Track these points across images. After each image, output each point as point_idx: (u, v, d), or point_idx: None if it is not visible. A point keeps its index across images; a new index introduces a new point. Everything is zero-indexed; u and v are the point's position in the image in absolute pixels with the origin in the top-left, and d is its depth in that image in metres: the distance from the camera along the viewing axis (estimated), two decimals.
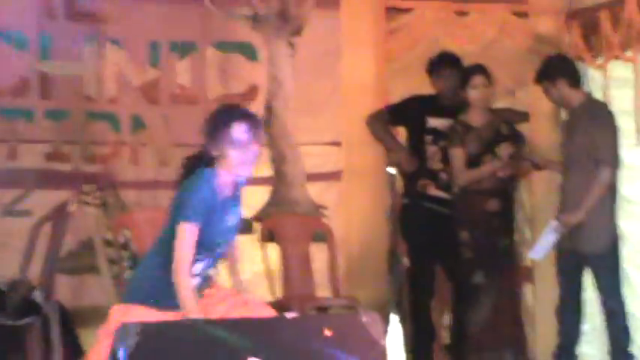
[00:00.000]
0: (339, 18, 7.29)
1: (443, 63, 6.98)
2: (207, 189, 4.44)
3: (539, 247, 6.49)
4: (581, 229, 6.23)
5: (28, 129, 7.00)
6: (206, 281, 4.63)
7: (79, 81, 7.16)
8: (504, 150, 6.70)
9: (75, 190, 6.79)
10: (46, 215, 6.15)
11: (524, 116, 7.28)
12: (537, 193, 7.24)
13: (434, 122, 7.04)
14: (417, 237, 7.09)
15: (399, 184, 7.31)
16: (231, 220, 4.59)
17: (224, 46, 7.42)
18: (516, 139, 6.87)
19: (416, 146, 7.10)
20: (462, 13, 7.50)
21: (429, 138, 7.06)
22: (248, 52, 7.39)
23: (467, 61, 6.97)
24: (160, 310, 4.39)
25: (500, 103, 7.27)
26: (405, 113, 7.11)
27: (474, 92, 6.69)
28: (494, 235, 6.68)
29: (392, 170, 7.30)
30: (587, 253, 6.29)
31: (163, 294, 4.38)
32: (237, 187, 4.61)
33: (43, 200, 6.61)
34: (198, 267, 4.51)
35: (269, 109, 6.95)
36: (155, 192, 7.12)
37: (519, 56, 7.44)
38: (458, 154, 6.69)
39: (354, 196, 7.29)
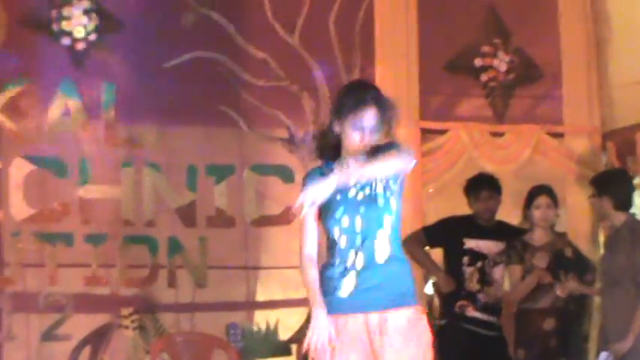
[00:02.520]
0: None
1: (481, 185, 7.00)
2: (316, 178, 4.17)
3: None
4: (631, 353, 6.13)
5: (67, 253, 7.06)
6: (369, 277, 4.22)
7: (117, 205, 7.24)
8: (563, 289, 6.62)
9: (113, 314, 6.79)
10: (85, 339, 6.15)
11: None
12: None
13: (471, 243, 7.01)
14: (455, 358, 7.00)
15: (437, 304, 7.26)
16: (360, 196, 4.22)
17: (261, 169, 7.49)
18: (581, 263, 6.80)
19: (453, 267, 7.06)
20: (496, 134, 7.56)
21: (466, 259, 7.02)
22: (284, 174, 7.45)
23: (503, 182, 6.98)
24: None
25: None
26: (442, 234, 7.10)
27: (537, 212, 6.66)
28: (551, 356, 6.58)
29: (429, 291, 7.26)
30: None
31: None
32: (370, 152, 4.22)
33: (82, 324, 6.63)
34: (345, 259, 4.22)
35: None
36: (193, 315, 7.13)
37: (556, 176, 7.45)
38: (514, 272, 6.64)
39: None
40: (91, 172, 7.19)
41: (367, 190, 4.22)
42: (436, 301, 7.27)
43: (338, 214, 4.21)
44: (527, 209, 6.69)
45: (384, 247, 4.22)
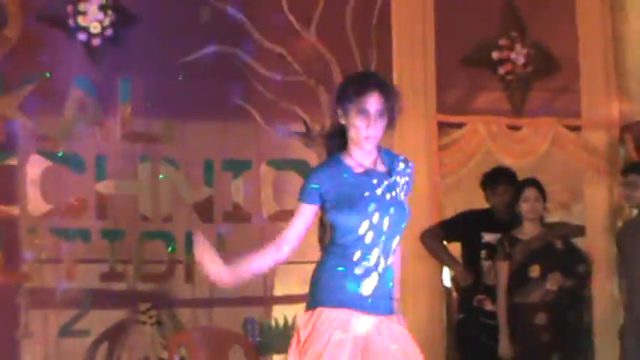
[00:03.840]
0: (391, 133, 7.31)
1: (497, 179, 6.98)
2: (327, 169, 4.21)
3: None
4: None
5: (84, 249, 7.07)
6: (385, 281, 4.20)
7: (134, 200, 7.24)
8: (553, 283, 6.60)
9: (131, 310, 6.80)
10: (103, 335, 6.16)
11: (579, 230, 7.21)
12: (597, 312, 7.12)
13: (489, 237, 6.99)
14: (473, 352, 6.99)
15: (455, 298, 7.25)
16: (388, 197, 4.18)
17: (277, 164, 7.49)
18: (572, 254, 6.77)
19: (471, 261, 7.05)
20: (514, 127, 7.53)
21: (483, 253, 7.01)
22: (302, 168, 7.44)
23: (521, 175, 6.96)
24: None
25: (554, 217, 7.22)
26: (460, 228, 7.08)
27: (525, 205, 6.66)
28: (544, 350, 6.55)
29: (448, 284, 7.24)
30: None
31: None
32: (386, 160, 4.24)
33: (100, 320, 6.63)
34: (367, 256, 4.18)
35: (322, 224, 6.93)
36: (210, 310, 7.14)
37: (573, 170, 7.42)
38: (501, 268, 6.63)
39: (408, 311, 7.21)
40: (107, 167, 7.20)
41: (393, 193, 4.20)
42: (454, 295, 7.26)
43: (370, 208, 4.15)
44: (516, 203, 6.68)
45: (394, 251, 4.23)
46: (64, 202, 7.10)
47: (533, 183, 6.72)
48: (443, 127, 7.43)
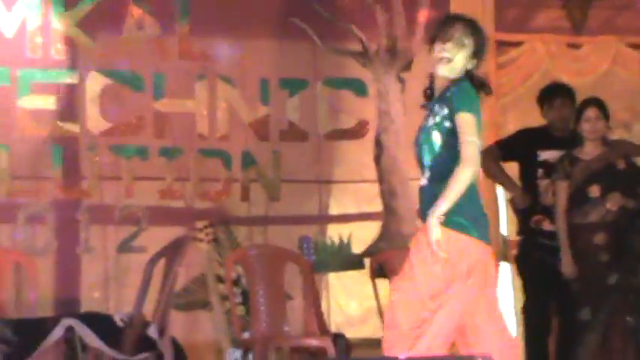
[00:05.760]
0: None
1: (554, 93, 6.88)
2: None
3: None
4: None
5: (142, 167, 7.16)
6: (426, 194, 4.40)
7: (191, 119, 7.29)
8: (613, 203, 6.53)
9: (188, 227, 6.89)
10: (160, 251, 6.24)
11: None
12: None
13: (546, 155, 6.91)
14: (532, 273, 6.97)
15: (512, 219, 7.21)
16: (430, 121, 4.39)
17: (334, 83, 7.48)
18: (634, 175, 6.69)
19: (528, 180, 6.99)
20: (573, 46, 7.42)
21: (541, 172, 6.94)
22: (358, 87, 7.43)
23: (580, 94, 6.86)
24: None
25: (615, 137, 7.12)
26: (516, 148, 7.02)
27: (587, 125, 6.56)
28: (602, 270, 6.53)
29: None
30: None
31: None
32: (447, 89, 4.38)
33: (157, 237, 6.72)
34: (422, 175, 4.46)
35: (379, 143, 6.95)
36: (266, 228, 7.21)
37: (635, 88, 7.31)
38: (560, 188, 6.58)
39: None
40: (165, 85, 7.24)
41: (430, 119, 4.44)
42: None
43: (418, 133, 4.50)
44: (577, 123, 6.59)
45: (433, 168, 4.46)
46: (122, 119, 7.18)
47: (595, 102, 6.61)
48: (501, 45, 7.36)
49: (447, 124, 4.32)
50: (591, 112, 6.56)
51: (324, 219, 7.38)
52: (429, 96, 4.46)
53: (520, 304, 7.08)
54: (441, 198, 4.22)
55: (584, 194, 6.51)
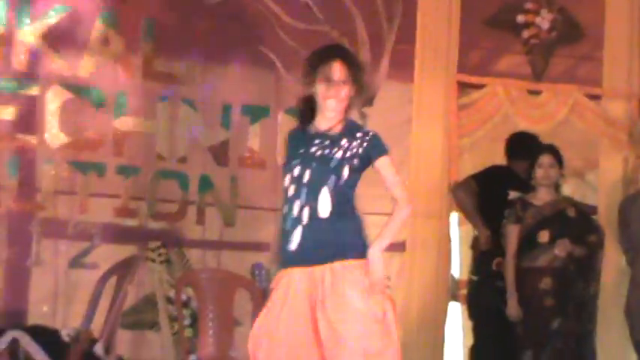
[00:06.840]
0: (410, 90, 7.33)
1: (522, 146, 6.96)
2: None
3: None
4: None
5: (98, 183, 7.13)
6: (315, 232, 4.34)
7: (151, 139, 7.28)
8: (561, 249, 6.61)
9: (141, 246, 6.86)
10: (112, 269, 6.21)
11: (592, 210, 7.20)
12: (607, 283, 7.13)
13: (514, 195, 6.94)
14: (487, 316, 6.98)
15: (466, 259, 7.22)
16: (318, 153, 4.36)
17: (296, 113, 7.47)
18: (584, 223, 6.77)
19: (496, 221, 6.94)
20: (534, 92, 7.51)
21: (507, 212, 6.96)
22: None
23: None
24: None
25: (569, 185, 7.22)
26: (491, 181, 7.04)
27: (540, 171, 6.66)
28: (547, 315, 6.59)
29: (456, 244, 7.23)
30: None
31: None
32: (347, 128, 4.41)
33: (110, 254, 6.70)
34: (291, 212, 4.34)
35: None
36: (219, 252, 7.20)
37: (590, 138, 7.41)
38: (511, 232, 6.65)
39: (415, 268, 7.25)
40: (127, 104, 7.23)
41: (327, 151, 4.36)
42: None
43: (294, 162, 4.37)
44: (532, 168, 6.68)
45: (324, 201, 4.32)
46: (82, 135, 7.14)
47: (550, 149, 6.71)
48: (463, 87, 7.43)
49: (356, 161, 4.37)
50: (546, 159, 6.65)
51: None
52: (308, 120, 4.44)
53: (469, 344, 7.12)
54: (384, 234, 4.39)
55: (534, 239, 6.59)
